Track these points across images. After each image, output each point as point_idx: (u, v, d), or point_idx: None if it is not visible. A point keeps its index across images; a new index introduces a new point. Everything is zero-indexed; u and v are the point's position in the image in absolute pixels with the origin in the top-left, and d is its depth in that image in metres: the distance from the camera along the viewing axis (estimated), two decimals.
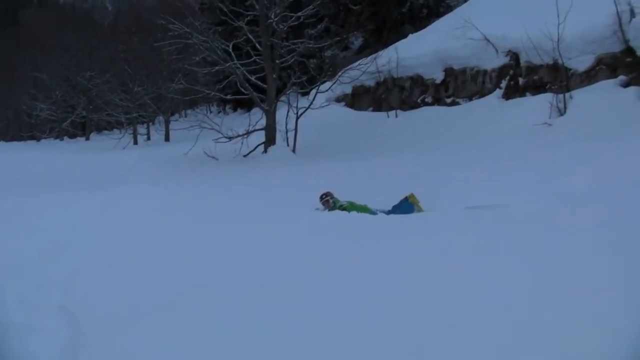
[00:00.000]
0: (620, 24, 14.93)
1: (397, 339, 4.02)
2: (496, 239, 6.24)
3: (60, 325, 4.84)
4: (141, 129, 37.44)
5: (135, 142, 34.52)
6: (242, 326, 4.37)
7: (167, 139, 34.17)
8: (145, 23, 33.30)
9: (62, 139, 44.68)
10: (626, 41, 14.87)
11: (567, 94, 15.32)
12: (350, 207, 9.00)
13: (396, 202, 9.31)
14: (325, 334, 4.19)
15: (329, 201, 9.38)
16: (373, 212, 8.91)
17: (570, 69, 16.09)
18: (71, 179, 16.08)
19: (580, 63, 15.91)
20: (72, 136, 46.32)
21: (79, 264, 6.47)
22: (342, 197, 9.73)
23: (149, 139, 36.59)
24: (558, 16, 15.14)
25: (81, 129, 46.65)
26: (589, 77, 15.73)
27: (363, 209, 8.96)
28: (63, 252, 7.06)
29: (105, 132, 45.68)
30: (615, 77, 14.93)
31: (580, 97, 14.99)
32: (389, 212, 9.05)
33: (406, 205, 9.11)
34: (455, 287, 4.79)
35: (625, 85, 14.50)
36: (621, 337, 3.76)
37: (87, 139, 43.11)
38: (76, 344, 4.52)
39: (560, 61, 15.92)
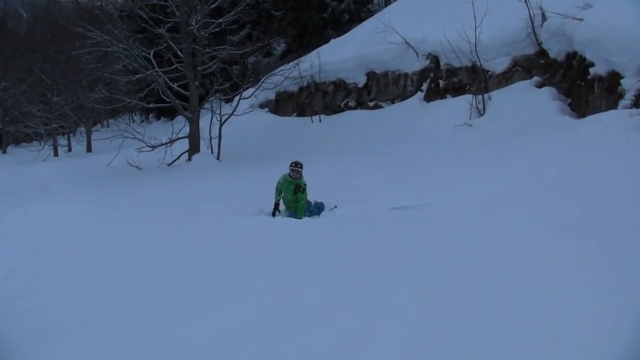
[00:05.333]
0: (533, 28, 15.47)
1: (320, 340, 4.04)
2: (418, 237, 6.37)
3: None
4: (61, 140, 36.36)
5: (56, 154, 33.42)
6: (163, 340, 4.30)
7: (89, 149, 33.29)
8: (62, 31, 32.29)
9: None
10: (539, 43, 15.42)
11: (485, 95, 15.77)
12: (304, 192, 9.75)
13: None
14: (251, 339, 4.18)
15: (300, 171, 9.79)
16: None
17: (488, 71, 16.59)
18: None
19: (497, 65, 16.42)
20: None
21: None
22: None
23: (70, 150, 35.55)
24: (475, 20, 15.58)
25: None
26: (506, 78, 16.25)
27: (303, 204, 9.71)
28: None
29: (24, 144, 44.10)
30: (530, 78, 15.48)
31: (498, 97, 15.45)
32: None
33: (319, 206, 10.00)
34: (376, 286, 4.86)
35: (540, 85, 15.03)
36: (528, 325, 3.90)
37: (4, 152, 41.44)
38: None
39: (478, 63, 16.36)
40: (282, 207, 9.96)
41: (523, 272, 4.90)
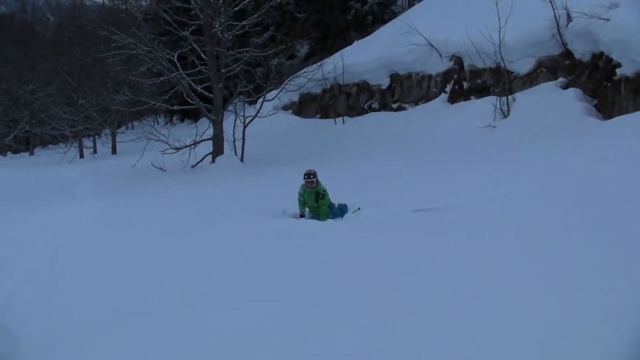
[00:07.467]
0: (558, 28, 15.30)
1: (340, 342, 4.03)
2: (440, 240, 6.32)
3: None
4: (87, 142, 36.73)
5: (82, 156, 33.80)
6: (179, 341, 4.32)
7: (114, 151, 33.61)
8: (88, 34, 32.62)
9: (4, 155, 43.29)
10: (564, 44, 15.26)
11: (509, 97, 15.63)
12: (325, 198, 9.68)
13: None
14: (271, 341, 4.18)
15: (313, 181, 9.74)
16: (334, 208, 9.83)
17: (512, 72, 16.44)
18: (14, 195, 15.64)
19: (522, 66, 16.27)
20: (16, 152, 45.02)
21: (19, 282, 6.32)
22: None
23: (95, 152, 35.91)
24: (499, 20, 15.44)
25: (25, 144, 45.45)
26: (531, 79, 16.10)
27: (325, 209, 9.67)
28: (3, 270, 6.89)
29: (50, 146, 44.59)
30: (555, 79, 15.31)
31: (523, 99, 15.31)
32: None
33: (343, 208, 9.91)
34: (397, 288, 4.83)
35: (565, 87, 14.86)
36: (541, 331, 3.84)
37: (31, 153, 42.02)
38: None
39: (502, 64, 16.22)
40: (306, 210, 10.01)
41: (544, 277, 4.82)
